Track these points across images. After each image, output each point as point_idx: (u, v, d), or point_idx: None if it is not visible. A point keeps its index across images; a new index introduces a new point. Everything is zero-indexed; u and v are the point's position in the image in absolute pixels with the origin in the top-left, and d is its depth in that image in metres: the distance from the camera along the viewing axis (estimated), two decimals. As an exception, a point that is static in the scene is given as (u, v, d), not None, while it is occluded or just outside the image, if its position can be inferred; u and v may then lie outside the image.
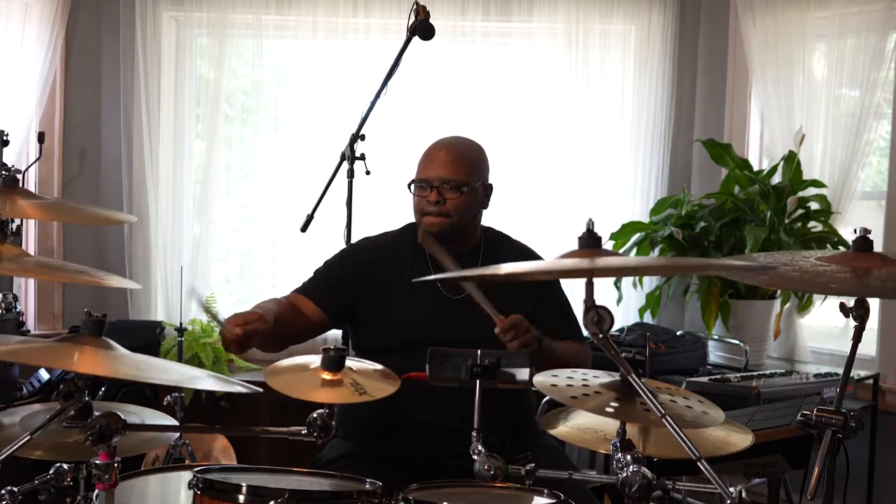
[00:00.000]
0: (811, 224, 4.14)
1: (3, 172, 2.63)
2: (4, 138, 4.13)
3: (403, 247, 2.70)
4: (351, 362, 1.99)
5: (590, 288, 1.66)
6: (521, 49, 4.84)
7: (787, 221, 4.11)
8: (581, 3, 4.62)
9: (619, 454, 1.72)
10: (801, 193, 4.13)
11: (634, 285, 4.47)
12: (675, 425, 1.58)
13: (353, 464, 2.40)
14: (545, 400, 3.06)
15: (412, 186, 2.64)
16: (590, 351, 2.67)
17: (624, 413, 1.75)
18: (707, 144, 4.41)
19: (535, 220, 4.70)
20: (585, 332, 1.69)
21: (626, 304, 4.48)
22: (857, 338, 1.95)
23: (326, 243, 3.54)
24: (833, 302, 4.10)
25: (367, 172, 3.24)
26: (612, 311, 1.65)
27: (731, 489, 1.61)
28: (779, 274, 2.01)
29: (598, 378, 1.88)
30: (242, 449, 4.11)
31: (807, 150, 4.21)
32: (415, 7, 3.15)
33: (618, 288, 4.39)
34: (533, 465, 1.85)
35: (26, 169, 4.32)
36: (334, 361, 1.94)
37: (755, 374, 3.69)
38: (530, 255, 2.75)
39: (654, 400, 1.60)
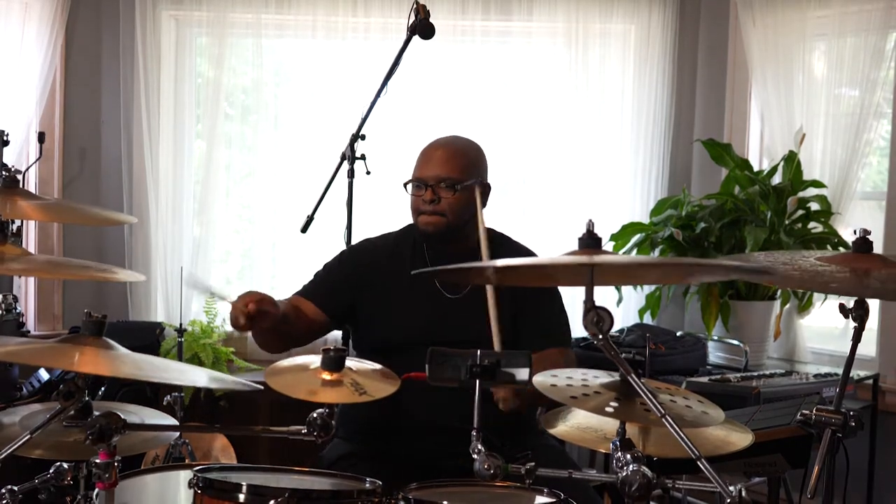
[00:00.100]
0: (811, 224, 4.14)
1: (4, 173, 2.63)
2: (4, 138, 4.13)
3: (403, 247, 2.70)
4: (351, 362, 1.99)
5: (590, 289, 1.66)
6: (521, 49, 4.84)
7: (787, 222, 4.11)
8: (581, 3, 4.62)
9: (619, 453, 1.72)
10: (801, 194, 4.13)
11: (634, 286, 4.47)
12: (674, 425, 1.58)
13: (354, 464, 2.40)
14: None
15: (409, 186, 2.64)
16: (572, 355, 2.66)
17: (624, 413, 1.75)
18: (707, 144, 4.41)
19: (535, 220, 4.70)
20: (585, 333, 1.68)
21: (625, 304, 4.48)
22: (857, 338, 1.96)
23: (326, 244, 3.54)
24: (833, 302, 4.10)
25: (368, 173, 3.24)
26: (612, 311, 1.65)
27: (731, 488, 1.61)
28: (779, 273, 2.01)
29: (598, 378, 1.88)
30: (242, 448, 4.12)
31: (807, 150, 4.21)
32: (415, 6, 3.15)
33: (618, 289, 4.38)
34: (533, 464, 1.84)
35: (26, 169, 4.32)
36: (334, 361, 1.94)
37: (755, 374, 3.69)
38: (531, 256, 2.74)
39: (654, 400, 1.60)
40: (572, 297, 2.77)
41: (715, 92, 4.66)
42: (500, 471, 1.81)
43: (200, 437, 4.03)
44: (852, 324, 1.95)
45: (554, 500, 1.90)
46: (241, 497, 1.81)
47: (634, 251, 4.36)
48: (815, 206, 4.12)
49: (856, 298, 1.94)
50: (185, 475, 2.06)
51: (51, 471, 1.99)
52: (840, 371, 2.53)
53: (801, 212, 4.14)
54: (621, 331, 4.13)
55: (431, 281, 2.59)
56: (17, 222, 3.91)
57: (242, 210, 4.95)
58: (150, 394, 3.99)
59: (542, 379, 1.88)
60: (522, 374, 1.97)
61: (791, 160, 4.17)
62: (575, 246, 1.77)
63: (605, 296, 4.34)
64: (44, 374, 3.84)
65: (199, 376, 2.04)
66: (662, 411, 1.59)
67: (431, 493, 1.92)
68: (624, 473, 1.66)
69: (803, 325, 4.31)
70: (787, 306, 4.23)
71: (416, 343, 2.30)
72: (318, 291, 2.66)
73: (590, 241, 1.76)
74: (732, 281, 4.09)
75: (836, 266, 2.00)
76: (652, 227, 4.39)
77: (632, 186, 4.67)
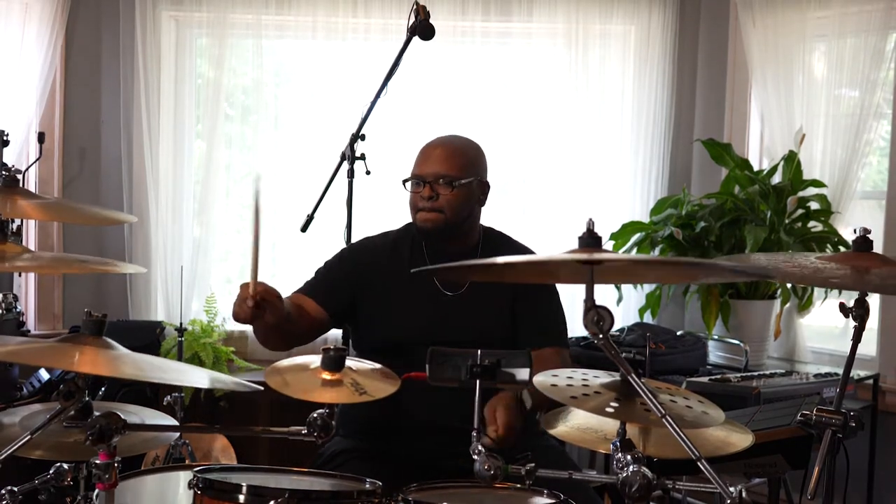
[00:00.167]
0: (811, 224, 4.14)
1: (4, 172, 2.63)
2: (4, 138, 4.13)
3: (402, 246, 2.71)
4: (351, 362, 1.99)
5: (590, 288, 1.66)
6: (521, 49, 4.83)
7: (787, 221, 4.11)
8: (581, 4, 4.62)
9: (620, 454, 1.72)
10: (801, 193, 4.13)
11: (634, 285, 4.47)
12: (675, 425, 1.58)
13: (354, 463, 2.40)
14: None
15: (408, 184, 2.65)
16: (568, 355, 2.66)
17: (624, 413, 1.75)
18: (707, 144, 4.42)
19: (535, 220, 4.70)
20: (585, 332, 1.68)
21: (626, 304, 4.48)
22: (857, 338, 1.95)
23: (326, 243, 3.54)
24: (833, 302, 4.10)
25: (368, 172, 3.24)
26: (613, 311, 1.65)
27: (731, 489, 1.61)
28: (779, 269, 2.01)
29: (598, 378, 1.88)
30: (242, 449, 4.12)
31: (807, 150, 4.21)
32: (415, 7, 3.16)
33: (618, 288, 4.38)
34: (533, 465, 1.84)
35: (26, 169, 4.32)
36: (334, 361, 1.94)
37: (755, 374, 3.69)
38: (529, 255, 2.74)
39: (654, 400, 1.60)
40: (572, 296, 2.78)
41: (715, 92, 4.66)
42: (500, 471, 1.81)
43: (200, 437, 4.03)
44: (852, 323, 1.95)
45: (554, 500, 1.90)
46: (241, 497, 1.81)
47: (634, 250, 4.36)
48: (815, 206, 4.12)
49: (856, 298, 1.94)
50: (185, 476, 2.06)
51: (51, 471, 1.99)
52: (840, 371, 2.53)
53: (801, 211, 4.14)
54: (621, 330, 4.14)
55: (430, 279, 2.59)
56: (17, 222, 3.92)
57: (242, 210, 4.95)
58: (150, 394, 3.99)
59: (542, 379, 1.88)
60: (522, 374, 1.97)
61: (791, 160, 4.17)
62: (575, 245, 1.77)
63: (605, 295, 4.34)
64: (44, 374, 3.84)
65: (199, 377, 2.04)
66: (663, 411, 1.59)
67: (431, 494, 1.92)
68: (624, 474, 1.66)
69: (803, 325, 4.31)
70: (788, 306, 4.23)
71: (416, 343, 2.30)
72: (319, 289, 2.66)
73: (590, 240, 1.76)
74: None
75: (836, 263, 2.01)
76: (652, 227, 4.39)
77: (632, 186, 4.67)
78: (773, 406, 2.79)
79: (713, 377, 3.59)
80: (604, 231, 2.27)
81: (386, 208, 4.06)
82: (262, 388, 1.95)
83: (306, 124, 4.75)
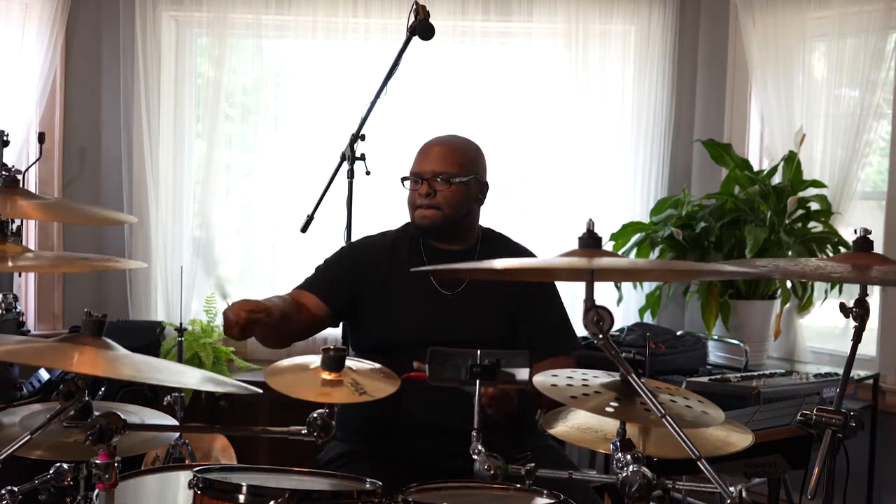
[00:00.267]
0: (811, 224, 4.14)
1: (4, 173, 2.63)
2: (4, 138, 4.13)
3: (401, 246, 2.71)
4: (351, 362, 1.99)
5: (590, 288, 1.66)
6: (521, 49, 4.83)
7: (787, 222, 4.11)
8: (581, 3, 4.62)
9: (619, 454, 1.72)
10: (801, 194, 4.13)
11: (634, 285, 4.47)
12: (674, 425, 1.58)
13: (354, 463, 2.40)
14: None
15: (406, 182, 2.65)
16: (574, 364, 2.66)
17: (624, 413, 1.75)
18: (707, 144, 4.41)
19: (535, 220, 4.70)
20: (585, 332, 1.68)
21: (626, 304, 4.48)
22: (857, 338, 1.95)
23: (326, 244, 3.53)
24: (833, 302, 4.10)
25: (368, 172, 3.24)
26: (613, 311, 1.65)
27: (731, 489, 1.61)
28: (780, 267, 2.02)
29: (598, 378, 1.88)
30: (242, 449, 4.11)
31: (807, 150, 4.21)
32: (415, 7, 3.15)
33: (618, 288, 4.38)
34: (533, 465, 1.84)
35: (26, 169, 4.32)
36: (334, 361, 1.94)
37: (755, 374, 3.69)
38: (529, 256, 2.74)
39: (654, 400, 1.60)
40: (572, 296, 2.78)
41: (715, 92, 4.66)
42: (499, 471, 1.81)
43: (200, 437, 4.03)
44: (852, 323, 1.95)
45: (554, 501, 1.89)
46: (241, 497, 1.81)
47: (634, 250, 4.36)
48: (815, 206, 4.12)
49: (856, 298, 1.94)
50: (185, 476, 2.06)
51: (51, 471, 1.99)
52: (840, 371, 2.53)
53: (801, 211, 4.14)
54: (621, 330, 4.14)
55: (428, 279, 2.60)
56: (17, 222, 3.92)
57: (242, 210, 4.95)
58: (150, 394, 3.99)
59: (542, 379, 1.88)
60: (522, 374, 1.97)
61: (791, 160, 4.17)
62: (575, 245, 1.77)
63: (605, 295, 4.34)
64: (44, 374, 3.84)
65: (198, 379, 2.03)
66: (662, 411, 1.59)
67: (431, 495, 1.92)
68: (624, 474, 1.66)
69: (803, 325, 4.31)
70: (788, 306, 4.23)
71: (415, 343, 2.30)
72: (320, 285, 2.67)
73: (590, 240, 1.76)
74: (732, 279, 4.09)
75: (837, 262, 2.01)
76: (652, 227, 4.39)
77: (632, 186, 4.67)
78: (773, 406, 2.79)
79: (713, 377, 3.59)
80: (604, 231, 2.27)
81: (386, 209, 4.06)
82: (261, 391, 1.94)
83: (306, 124, 4.75)
